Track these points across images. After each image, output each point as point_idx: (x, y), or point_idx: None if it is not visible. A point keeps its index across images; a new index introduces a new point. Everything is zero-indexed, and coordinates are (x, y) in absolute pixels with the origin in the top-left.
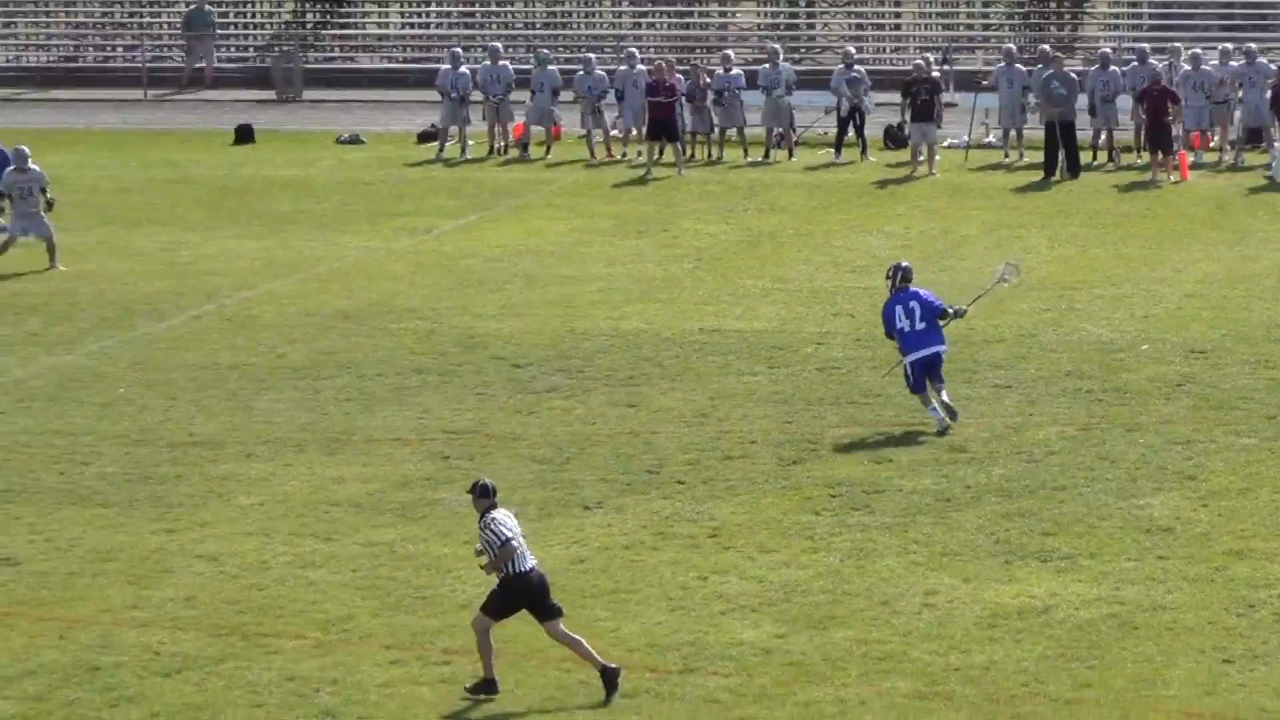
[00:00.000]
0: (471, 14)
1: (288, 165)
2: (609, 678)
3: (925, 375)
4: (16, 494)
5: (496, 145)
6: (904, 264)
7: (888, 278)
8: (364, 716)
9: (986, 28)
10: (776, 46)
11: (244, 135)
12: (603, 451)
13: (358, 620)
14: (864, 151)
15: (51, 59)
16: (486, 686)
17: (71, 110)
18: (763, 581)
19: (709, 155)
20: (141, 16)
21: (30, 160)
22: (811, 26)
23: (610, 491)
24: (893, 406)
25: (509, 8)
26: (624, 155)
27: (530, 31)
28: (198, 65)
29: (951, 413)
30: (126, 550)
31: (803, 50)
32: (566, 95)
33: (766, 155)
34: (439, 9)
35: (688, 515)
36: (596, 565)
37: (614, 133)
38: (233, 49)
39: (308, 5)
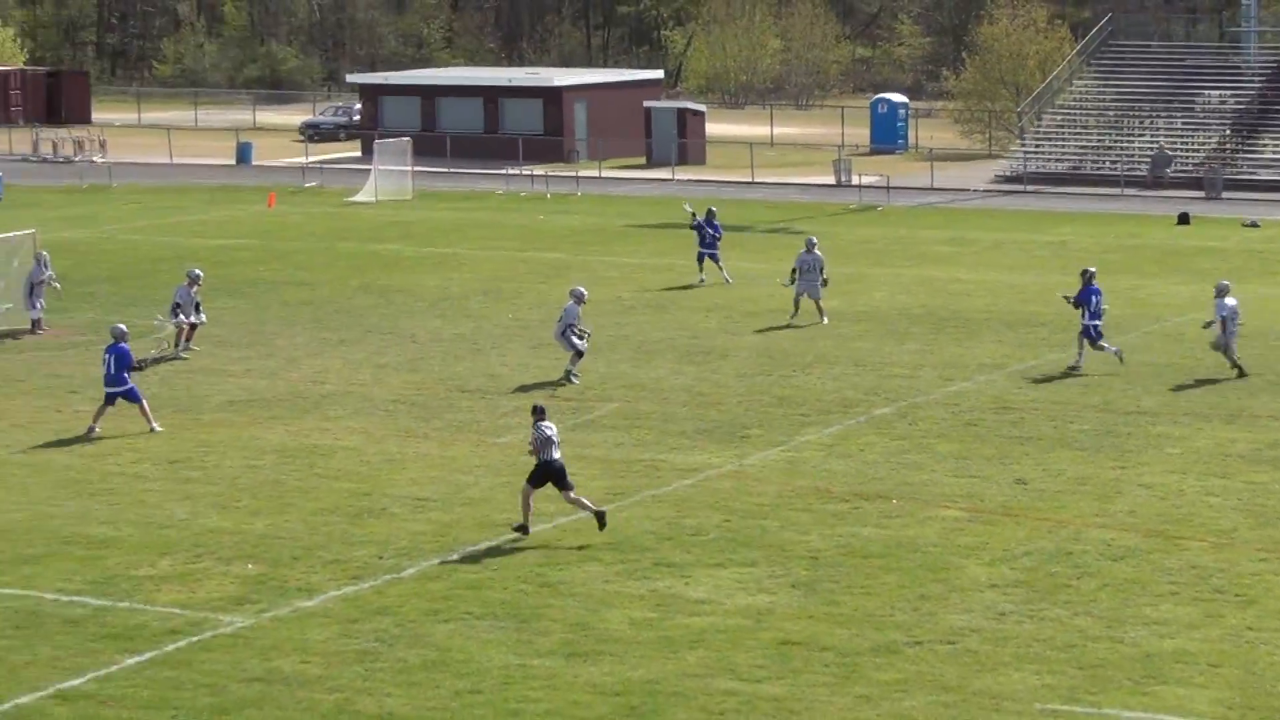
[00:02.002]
0: None
1: (1210, 240)
2: (600, 518)
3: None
4: (1055, 442)
5: None
6: (1092, 269)
7: (1082, 275)
8: (1239, 593)
9: None
10: None
11: (1184, 219)
12: None
13: (1239, 531)
14: None
15: (1064, 167)
16: (521, 529)
17: (1080, 201)
18: None
19: None
20: (1121, 145)
21: (817, 247)
22: None
23: None
24: None
25: None
26: None
27: None
28: (1157, 176)
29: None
30: (1093, 479)
31: None
32: None
33: None
34: None
35: None
36: None
37: None
38: (1178, 165)
39: (1228, 138)
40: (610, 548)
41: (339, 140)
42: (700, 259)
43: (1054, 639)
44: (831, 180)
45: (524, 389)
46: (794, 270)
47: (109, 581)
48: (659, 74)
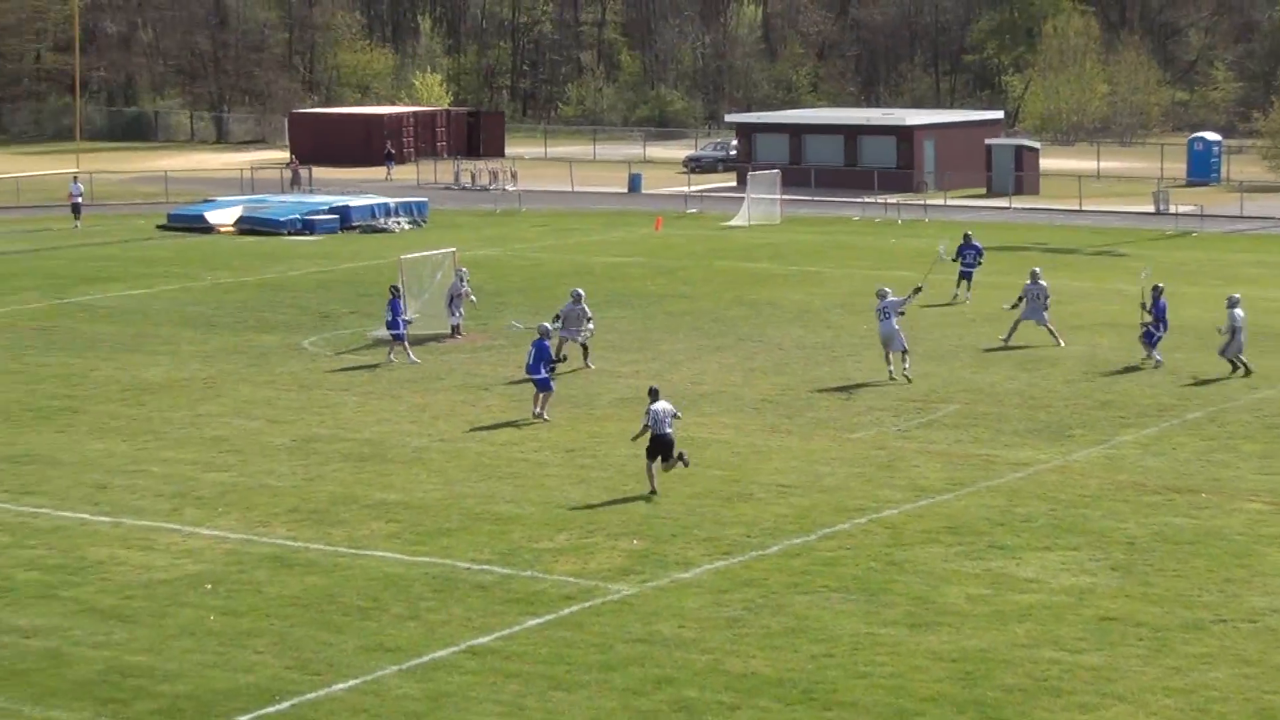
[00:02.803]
0: None
1: None
2: (651, 495)
3: None
4: None
5: None
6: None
7: (1154, 290)
8: None
9: None
10: None
11: None
12: None
13: None
14: None
15: None
16: (650, 494)
17: None
18: None
19: None
20: None
21: (1041, 277)
22: None
23: None
24: None
25: None
26: None
27: None
28: None
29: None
30: None
31: None
32: None
33: None
34: None
35: None
36: None
37: None
38: None
39: None
40: (949, 531)
41: (717, 172)
42: (960, 278)
43: None
44: (1151, 209)
45: (876, 390)
46: (1020, 298)
47: (513, 553)
48: (999, 114)
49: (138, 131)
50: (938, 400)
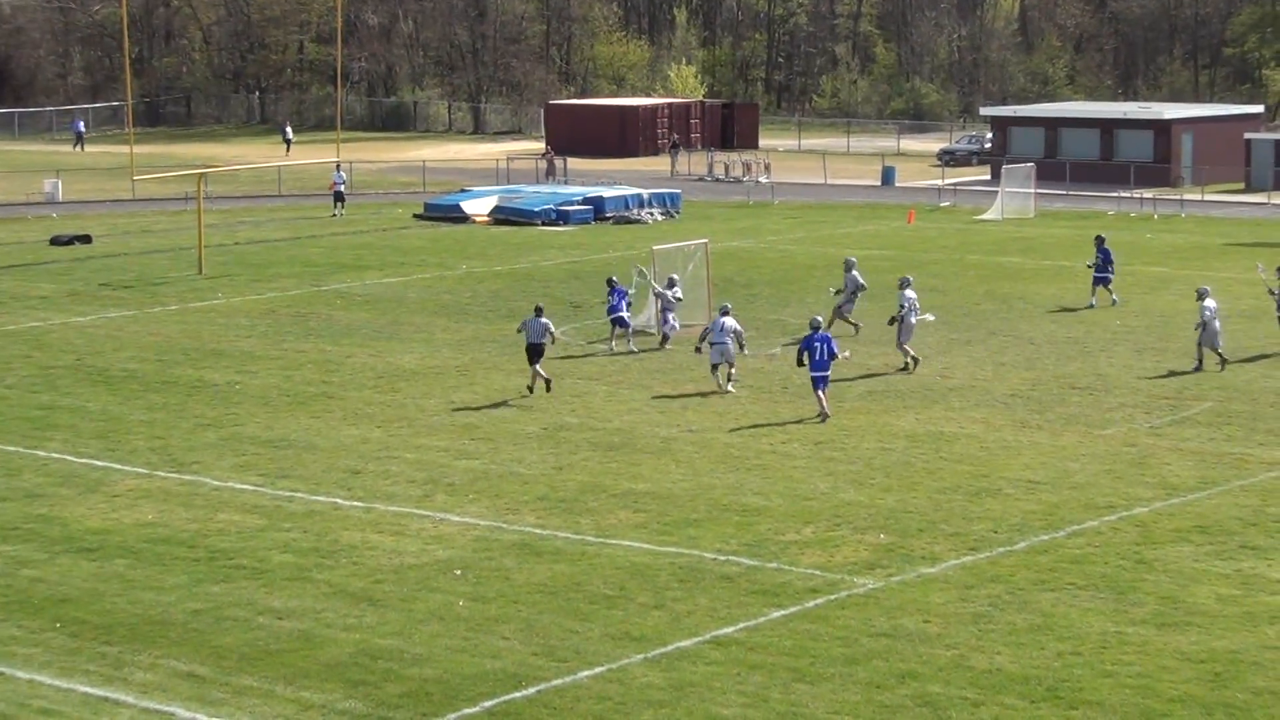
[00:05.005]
0: None
1: None
2: (548, 384)
3: None
4: None
5: None
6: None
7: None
8: None
9: None
10: None
11: None
12: None
13: None
14: None
15: None
16: (528, 390)
17: None
18: None
19: None
20: None
21: (855, 268)
22: None
23: None
24: None
25: None
26: None
27: None
28: None
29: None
30: None
31: None
32: None
33: None
34: None
35: None
36: None
37: None
38: None
39: None
40: (1200, 530)
41: (971, 165)
42: (1096, 284)
43: None
44: None
45: (1128, 387)
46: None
47: (759, 544)
48: (1259, 109)
49: (396, 122)
50: (1191, 398)
